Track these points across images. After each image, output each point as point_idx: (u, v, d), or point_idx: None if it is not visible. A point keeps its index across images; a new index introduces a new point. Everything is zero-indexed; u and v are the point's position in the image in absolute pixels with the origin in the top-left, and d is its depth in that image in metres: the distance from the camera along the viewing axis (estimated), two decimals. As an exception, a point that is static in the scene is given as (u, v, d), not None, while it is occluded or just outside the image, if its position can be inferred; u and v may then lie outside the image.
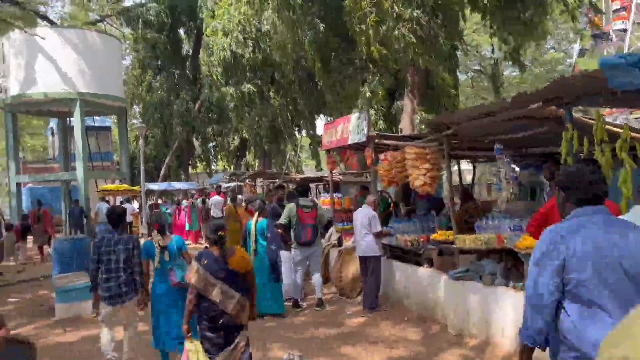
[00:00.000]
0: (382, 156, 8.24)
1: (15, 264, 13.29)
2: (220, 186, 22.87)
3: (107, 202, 17.21)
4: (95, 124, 24.16)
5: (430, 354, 5.48)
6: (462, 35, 13.92)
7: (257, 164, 29.47)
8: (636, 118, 16.50)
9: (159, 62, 27.24)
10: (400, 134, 10.64)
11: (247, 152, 32.06)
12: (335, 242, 9.46)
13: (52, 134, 28.61)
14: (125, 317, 5.17)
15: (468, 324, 5.74)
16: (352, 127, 8.55)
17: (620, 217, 2.90)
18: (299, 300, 7.75)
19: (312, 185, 18.47)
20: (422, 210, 8.97)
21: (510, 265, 5.61)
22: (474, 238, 5.96)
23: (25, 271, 12.64)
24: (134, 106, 30.31)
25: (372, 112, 14.98)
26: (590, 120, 4.88)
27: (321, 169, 22.44)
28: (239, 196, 17.11)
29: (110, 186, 18.06)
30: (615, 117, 16.25)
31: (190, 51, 28.66)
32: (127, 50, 29.66)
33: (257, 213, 7.57)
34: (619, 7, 19.72)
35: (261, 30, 16.53)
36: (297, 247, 7.67)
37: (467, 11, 12.80)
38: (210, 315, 3.60)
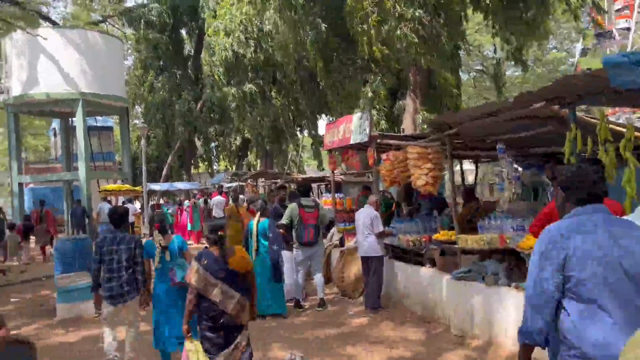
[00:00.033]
0: (384, 156, 8.22)
1: (18, 264, 13.31)
2: (222, 186, 22.87)
3: (109, 202, 17.22)
4: (98, 124, 24.23)
5: (432, 354, 5.46)
6: (465, 35, 13.90)
7: (258, 164, 29.49)
8: (639, 117, 16.45)
9: (161, 63, 27.26)
10: (402, 134, 10.62)
11: (248, 152, 32.08)
12: (337, 242, 9.44)
13: (55, 134, 28.67)
14: (127, 316, 5.16)
15: (471, 325, 5.72)
16: (354, 127, 8.53)
17: (625, 217, 2.88)
18: (301, 300, 7.74)
19: (314, 186, 18.44)
20: (425, 210, 8.95)
21: (512, 266, 5.58)
22: (476, 238, 5.93)
23: (28, 271, 12.65)
24: (136, 106, 30.34)
25: (374, 112, 14.98)
26: (593, 120, 4.85)
27: (323, 169, 22.42)
28: (241, 196, 17.11)
29: (112, 186, 18.09)
30: (618, 117, 16.21)
31: (192, 51, 28.67)
32: (129, 51, 29.71)
33: (258, 213, 7.55)
34: (621, 6, 19.67)
35: (263, 30, 16.53)
36: (299, 247, 7.65)
37: (469, 11, 12.78)
38: (210, 315, 3.59)
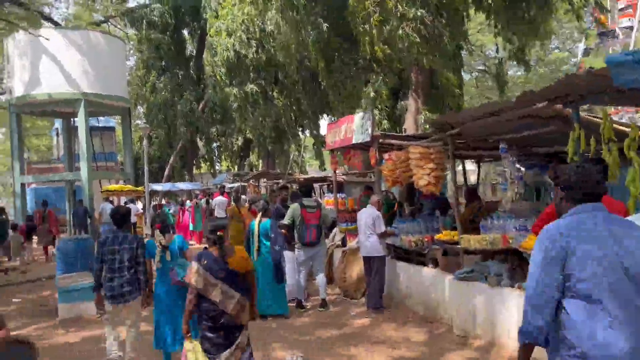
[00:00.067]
0: (386, 156, 8.20)
1: (20, 264, 13.33)
2: (224, 186, 22.85)
3: (111, 202, 17.22)
4: (100, 125, 24.24)
5: (434, 354, 5.44)
6: (467, 35, 13.88)
7: (260, 165, 29.47)
8: (642, 117, 16.38)
9: (163, 63, 27.27)
10: (404, 134, 10.60)
11: (250, 153, 32.07)
12: (339, 242, 9.43)
13: (57, 135, 28.71)
14: (128, 316, 5.16)
15: (473, 325, 5.70)
16: (356, 127, 8.52)
17: (629, 217, 2.86)
18: (303, 300, 7.72)
19: (316, 186, 18.43)
20: (427, 210, 8.93)
21: (515, 266, 5.56)
22: (479, 238, 5.91)
23: (30, 271, 12.66)
24: (138, 107, 30.37)
25: (376, 112, 14.98)
26: (596, 119, 4.83)
27: (325, 169, 22.43)
28: (243, 196, 17.10)
29: (114, 186, 18.08)
30: (621, 117, 16.16)
31: (194, 52, 28.69)
32: (131, 51, 29.76)
33: (260, 213, 7.54)
34: (624, 5, 19.61)
35: (265, 30, 16.53)
36: (301, 247, 7.63)
37: (472, 11, 12.76)
38: (210, 315, 3.58)
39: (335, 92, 14.54)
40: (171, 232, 5.49)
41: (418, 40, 9.99)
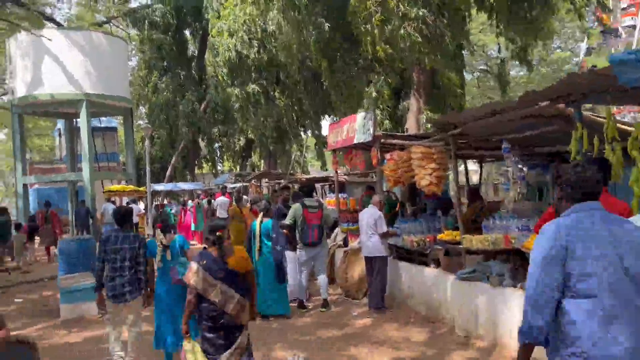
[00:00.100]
0: (388, 156, 8.18)
1: (23, 264, 13.35)
2: (225, 187, 22.87)
3: (113, 202, 17.24)
4: (102, 125, 24.23)
5: (436, 355, 5.42)
6: (468, 35, 13.85)
7: (262, 165, 29.48)
8: (645, 117, 16.31)
9: (165, 63, 27.30)
10: (406, 134, 10.58)
11: (252, 153, 32.08)
12: (341, 242, 9.41)
13: (60, 135, 28.75)
14: (129, 316, 5.17)
15: (475, 325, 5.68)
16: (358, 127, 8.51)
17: (632, 217, 2.85)
18: (304, 301, 7.71)
19: (318, 186, 18.42)
20: (431, 210, 8.91)
21: (517, 266, 5.54)
22: (481, 238, 5.89)
23: (32, 272, 12.68)
24: (140, 107, 30.40)
25: (377, 111, 14.94)
26: (599, 119, 4.81)
27: (327, 169, 22.41)
28: (244, 197, 17.10)
29: (116, 187, 18.09)
30: (623, 116, 16.09)
31: (196, 52, 28.72)
32: (133, 52, 29.77)
33: (261, 214, 7.53)
34: (627, 4, 19.54)
35: (266, 30, 16.53)
36: (302, 247, 7.62)
37: (473, 11, 12.73)
38: (210, 315, 3.57)
39: (337, 92, 14.54)
40: (172, 232, 5.50)
41: (420, 40, 9.97)
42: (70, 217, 18.82)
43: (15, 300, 9.48)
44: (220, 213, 15.58)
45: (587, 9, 13.26)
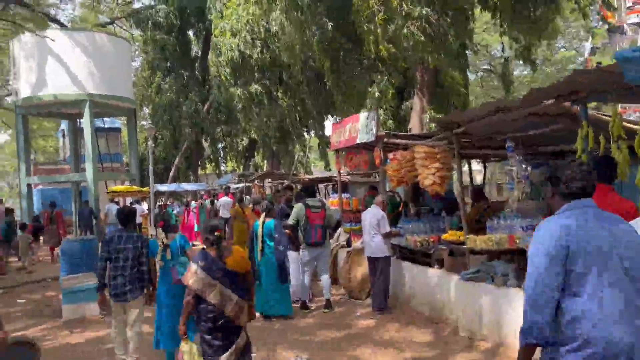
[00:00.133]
0: (391, 156, 8.14)
1: (28, 264, 13.38)
2: (229, 187, 22.87)
3: (117, 203, 17.27)
4: (105, 126, 24.30)
5: (439, 356, 5.38)
6: (472, 34, 13.81)
7: (265, 165, 29.47)
8: (650, 116, 16.21)
9: (168, 64, 27.34)
10: (409, 133, 10.54)
11: (255, 153, 32.09)
12: (344, 242, 9.38)
13: (63, 136, 28.84)
14: (129, 316, 5.20)
15: (479, 326, 5.64)
16: (361, 127, 8.47)
17: (633, 221, 2.81)
18: (307, 301, 7.68)
19: (321, 186, 18.40)
20: (436, 211, 8.87)
21: (522, 266, 5.49)
22: (485, 238, 5.85)
23: (35, 272, 12.70)
24: (144, 107, 30.43)
25: (381, 111, 14.90)
26: (605, 117, 4.76)
27: (330, 170, 22.37)
28: (246, 197, 17.10)
29: (119, 187, 18.15)
30: (629, 115, 15.99)
31: (199, 52, 28.73)
32: (137, 52, 29.83)
33: (264, 214, 7.50)
34: (632, 3, 19.44)
35: (269, 30, 16.49)
36: (305, 247, 7.60)
37: (477, 10, 12.68)
38: (208, 316, 3.55)
39: (340, 92, 14.50)
40: (173, 232, 5.51)
41: (423, 39, 9.93)
42: (74, 217, 18.86)
43: (18, 300, 9.49)
44: (224, 213, 15.58)
45: (591, 7, 13.18)
